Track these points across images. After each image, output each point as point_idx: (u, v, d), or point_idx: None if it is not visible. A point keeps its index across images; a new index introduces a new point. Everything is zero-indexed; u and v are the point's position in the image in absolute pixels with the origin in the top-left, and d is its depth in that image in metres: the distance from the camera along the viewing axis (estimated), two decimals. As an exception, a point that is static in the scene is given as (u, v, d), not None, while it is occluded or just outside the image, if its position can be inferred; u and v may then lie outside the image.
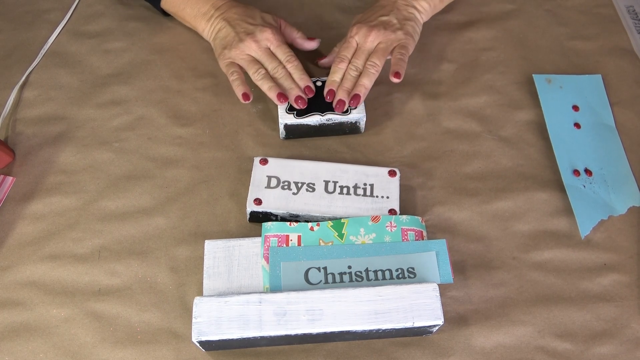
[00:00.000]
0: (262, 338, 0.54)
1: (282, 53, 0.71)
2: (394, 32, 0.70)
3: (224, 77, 0.76)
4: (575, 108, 0.73)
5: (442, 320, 0.53)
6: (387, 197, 0.64)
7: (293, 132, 0.70)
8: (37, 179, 0.68)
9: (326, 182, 0.64)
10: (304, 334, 0.53)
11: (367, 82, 0.69)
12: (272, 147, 0.71)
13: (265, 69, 0.70)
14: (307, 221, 0.62)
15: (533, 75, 0.76)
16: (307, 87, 0.69)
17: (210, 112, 0.73)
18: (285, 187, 0.64)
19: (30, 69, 0.77)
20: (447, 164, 0.70)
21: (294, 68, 0.70)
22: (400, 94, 0.75)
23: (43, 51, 0.79)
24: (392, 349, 0.57)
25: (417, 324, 0.53)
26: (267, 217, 0.63)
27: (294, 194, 0.63)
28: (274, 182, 0.64)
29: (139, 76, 0.77)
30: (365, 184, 0.64)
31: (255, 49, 0.70)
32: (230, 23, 0.72)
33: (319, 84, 0.71)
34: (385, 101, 0.75)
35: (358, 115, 0.69)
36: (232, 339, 0.53)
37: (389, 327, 0.53)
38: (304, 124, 0.69)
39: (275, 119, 0.72)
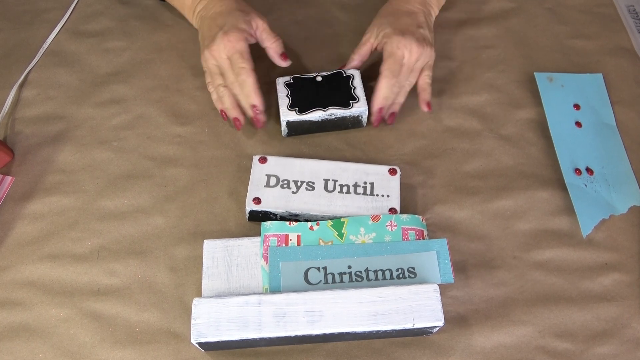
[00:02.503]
0: (262, 339, 0.54)
1: (234, 65, 0.66)
2: (429, 48, 0.68)
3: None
4: (576, 107, 0.73)
5: (443, 321, 0.53)
6: (388, 196, 0.63)
7: (295, 128, 0.70)
8: (36, 178, 0.68)
9: (326, 181, 0.64)
10: (304, 335, 0.53)
11: (402, 100, 0.69)
12: (271, 145, 0.71)
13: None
14: (307, 220, 0.62)
15: (535, 73, 0.75)
16: (254, 106, 0.66)
17: (210, 111, 0.73)
18: (285, 185, 0.64)
19: (29, 68, 0.77)
20: (447, 162, 0.70)
21: (241, 84, 0.66)
22: (401, 93, 0.75)
23: (42, 50, 0.79)
24: (392, 349, 0.57)
25: (418, 325, 0.53)
26: (267, 216, 0.63)
27: (293, 192, 0.63)
28: (273, 180, 0.64)
29: (138, 75, 0.77)
30: (365, 183, 0.64)
31: (212, 58, 0.67)
32: (202, 27, 0.70)
33: (319, 78, 0.70)
34: (385, 100, 0.74)
35: (360, 109, 0.68)
36: (231, 340, 0.53)
37: (389, 329, 0.53)
38: (306, 120, 0.68)
39: (274, 116, 0.72)
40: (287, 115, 0.68)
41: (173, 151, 0.70)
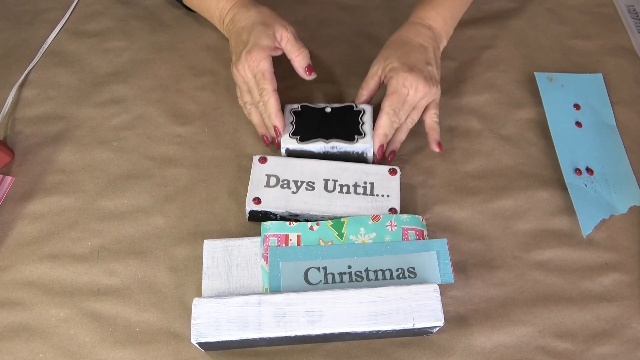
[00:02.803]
0: (262, 339, 0.54)
1: (257, 84, 0.65)
2: (435, 87, 0.67)
3: (223, 75, 0.76)
4: (577, 107, 0.73)
5: (443, 321, 0.53)
6: (388, 196, 0.63)
7: (295, 157, 0.67)
8: (36, 178, 0.68)
9: (326, 181, 0.64)
10: (304, 335, 0.53)
11: (403, 137, 0.68)
12: (271, 145, 0.71)
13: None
14: (307, 220, 0.62)
15: (535, 73, 0.75)
16: (275, 127, 0.65)
17: (210, 111, 0.73)
18: (285, 185, 0.63)
19: (29, 68, 0.77)
20: (448, 162, 0.70)
21: (264, 105, 0.65)
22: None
23: (42, 50, 0.79)
24: (392, 348, 0.57)
25: (418, 325, 0.53)
26: (267, 216, 0.63)
27: (293, 192, 0.63)
28: (273, 180, 0.64)
29: (138, 75, 0.77)
30: (365, 183, 0.64)
31: (240, 76, 0.67)
32: (230, 41, 0.70)
33: (328, 109, 0.68)
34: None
35: (365, 145, 0.65)
36: (231, 340, 0.53)
37: (389, 329, 0.53)
38: (306, 150, 0.66)
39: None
40: (288, 142, 0.66)
41: (173, 151, 0.70)
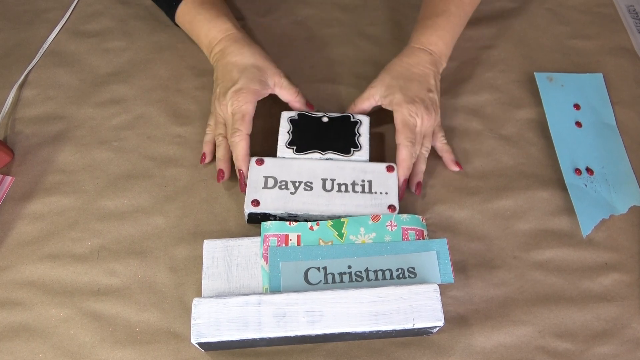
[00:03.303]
0: (262, 339, 0.54)
1: (233, 122, 0.65)
2: (436, 113, 0.68)
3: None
4: (577, 107, 0.73)
5: (443, 321, 0.53)
6: (386, 193, 0.63)
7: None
8: (36, 178, 0.68)
9: (324, 180, 0.64)
10: (304, 335, 0.53)
11: (424, 167, 0.68)
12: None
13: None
14: (307, 220, 0.62)
15: (535, 73, 0.75)
16: (240, 171, 0.64)
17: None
18: (283, 186, 0.63)
19: (29, 68, 0.77)
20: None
21: (234, 146, 0.64)
22: (401, 93, 0.75)
23: (42, 50, 0.79)
24: (392, 348, 0.57)
25: (418, 325, 0.53)
26: (266, 218, 0.63)
27: (291, 193, 0.63)
28: (271, 182, 0.64)
29: (138, 75, 0.77)
30: (363, 181, 0.64)
31: (220, 111, 0.67)
32: (216, 72, 0.70)
33: (325, 119, 0.68)
34: (385, 100, 0.74)
35: (360, 158, 0.66)
36: (231, 340, 0.53)
37: (389, 329, 0.53)
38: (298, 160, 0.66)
39: (275, 116, 0.71)
40: (284, 152, 0.66)
41: (173, 151, 0.70)
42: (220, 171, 0.66)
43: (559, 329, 0.59)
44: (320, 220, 0.61)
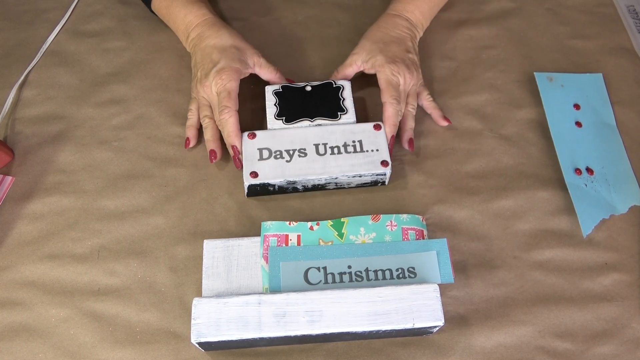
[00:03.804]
0: (262, 339, 0.54)
1: (219, 101, 0.66)
2: (417, 72, 0.71)
3: (223, 76, 0.76)
4: (577, 107, 0.73)
5: (443, 321, 0.53)
6: (377, 150, 0.65)
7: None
8: (36, 178, 0.68)
9: (316, 145, 0.65)
10: (304, 335, 0.53)
11: (412, 124, 0.70)
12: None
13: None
14: (305, 186, 0.64)
15: (535, 73, 0.75)
16: (233, 146, 0.66)
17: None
18: (278, 156, 0.64)
19: (29, 68, 0.77)
20: (448, 162, 0.70)
21: (224, 123, 0.65)
22: (401, 93, 0.75)
23: (42, 50, 0.79)
24: (392, 348, 0.57)
25: (418, 325, 0.53)
26: (265, 188, 0.64)
27: (287, 161, 0.64)
28: (266, 153, 0.65)
29: (138, 75, 0.77)
30: (354, 141, 0.65)
31: (204, 93, 0.68)
32: (195, 57, 0.71)
33: (308, 88, 0.70)
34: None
35: (348, 121, 0.67)
36: (231, 340, 0.53)
37: (389, 329, 0.53)
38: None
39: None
40: (274, 124, 0.67)
41: (173, 151, 0.70)
42: (212, 152, 0.67)
43: (559, 329, 0.59)
44: (321, 221, 0.61)
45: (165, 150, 0.70)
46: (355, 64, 0.71)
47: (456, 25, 0.82)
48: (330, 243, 0.60)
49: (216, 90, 0.66)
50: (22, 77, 0.76)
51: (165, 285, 0.61)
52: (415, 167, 0.69)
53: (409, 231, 0.60)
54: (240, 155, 0.66)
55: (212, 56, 0.68)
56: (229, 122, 0.65)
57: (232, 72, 0.66)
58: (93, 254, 0.63)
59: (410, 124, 0.70)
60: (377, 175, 0.64)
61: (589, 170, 0.68)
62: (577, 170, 0.68)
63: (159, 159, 0.69)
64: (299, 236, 0.60)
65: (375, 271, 0.58)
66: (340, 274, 0.58)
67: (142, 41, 0.80)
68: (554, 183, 0.68)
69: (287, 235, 0.60)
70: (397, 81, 0.68)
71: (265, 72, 0.71)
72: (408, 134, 0.69)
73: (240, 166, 0.66)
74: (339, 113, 0.68)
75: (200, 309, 0.54)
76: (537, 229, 0.65)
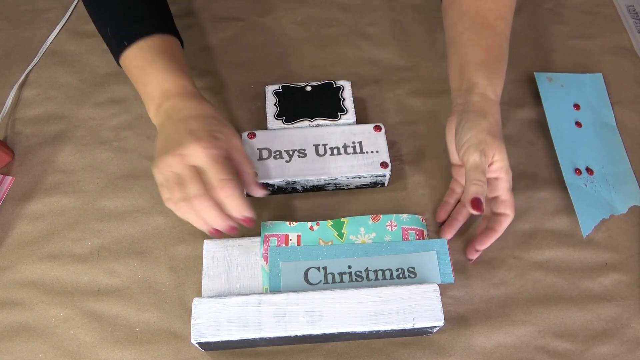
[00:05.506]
0: (262, 339, 0.54)
1: (212, 176, 0.53)
2: None
3: (223, 75, 0.76)
4: (577, 107, 0.73)
5: (443, 321, 0.53)
6: (377, 152, 0.65)
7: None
8: (36, 178, 0.68)
9: (316, 146, 0.65)
10: (304, 335, 0.53)
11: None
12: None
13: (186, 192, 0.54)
14: (304, 187, 0.63)
15: (534, 73, 0.75)
16: (247, 218, 0.55)
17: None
18: (278, 156, 0.64)
19: (29, 68, 0.77)
20: (448, 162, 0.69)
21: (229, 198, 0.54)
22: (401, 91, 0.75)
23: (42, 50, 0.79)
24: (392, 348, 0.57)
25: (418, 325, 0.53)
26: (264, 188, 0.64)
27: (287, 162, 0.64)
28: (265, 153, 0.65)
29: (138, 75, 0.76)
30: (354, 142, 0.65)
31: (176, 165, 0.54)
32: (166, 125, 0.58)
33: (308, 88, 0.70)
34: (385, 98, 0.74)
35: (348, 121, 0.68)
36: (231, 340, 0.53)
37: (389, 329, 0.53)
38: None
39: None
40: (274, 124, 0.67)
41: (173, 151, 0.70)
42: (217, 231, 0.56)
43: (559, 329, 0.59)
44: (321, 221, 0.61)
45: (165, 150, 0.70)
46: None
47: (456, 25, 0.82)
48: (330, 243, 0.60)
49: (198, 162, 0.54)
50: (22, 77, 0.76)
51: (165, 285, 0.61)
52: (415, 167, 0.69)
53: (409, 231, 0.60)
54: (253, 222, 0.56)
55: (188, 124, 0.56)
56: (237, 197, 0.54)
57: (213, 140, 0.55)
58: (93, 254, 0.63)
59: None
60: (376, 176, 0.64)
61: (589, 170, 0.68)
62: (577, 170, 0.68)
63: (159, 159, 0.69)
64: (299, 236, 0.60)
65: (375, 271, 0.58)
66: (340, 274, 0.58)
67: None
68: (554, 183, 0.68)
69: (287, 235, 0.60)
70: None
71: (242, 160, 0.58)
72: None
73: (221, 235, 0.56)
74: (339, 113, 0.68)
75: (200, 309, 0.54)
76: (537, 229, 0.65)
